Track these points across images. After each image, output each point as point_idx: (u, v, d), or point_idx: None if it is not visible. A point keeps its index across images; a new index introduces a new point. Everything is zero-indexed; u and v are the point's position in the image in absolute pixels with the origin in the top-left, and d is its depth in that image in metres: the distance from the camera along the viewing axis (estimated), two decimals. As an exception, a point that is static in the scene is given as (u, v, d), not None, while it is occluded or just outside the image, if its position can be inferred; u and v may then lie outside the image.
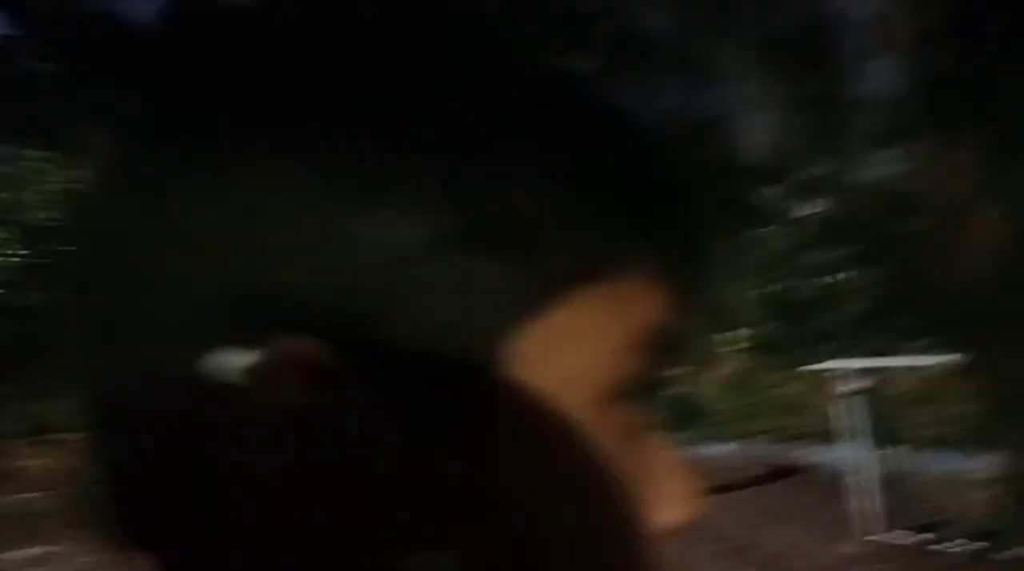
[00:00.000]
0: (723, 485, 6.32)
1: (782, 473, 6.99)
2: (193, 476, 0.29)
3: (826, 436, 7.06)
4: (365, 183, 0.29)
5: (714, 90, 7.17)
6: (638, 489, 0.33)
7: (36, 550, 5.68)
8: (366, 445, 0.28)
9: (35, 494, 6.37)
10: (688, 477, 0.35)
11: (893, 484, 5.74)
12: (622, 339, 0.31)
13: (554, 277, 0.30)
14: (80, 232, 0.33)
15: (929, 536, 5.09)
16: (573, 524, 0.31)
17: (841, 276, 5.66)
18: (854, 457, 5.59)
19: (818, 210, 7.59)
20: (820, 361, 6.35)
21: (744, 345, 8.31)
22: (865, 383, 5.71)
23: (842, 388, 5.85)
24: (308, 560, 0.29)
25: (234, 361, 0.29)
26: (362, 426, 0.28)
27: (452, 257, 0.29)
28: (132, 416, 0.30)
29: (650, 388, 0.34)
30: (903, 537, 5.22)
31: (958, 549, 4.92)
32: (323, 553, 0.29)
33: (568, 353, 0.31)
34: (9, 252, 10.56)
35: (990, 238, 3.93)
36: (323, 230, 0.29)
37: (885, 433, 5.96)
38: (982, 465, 5.34)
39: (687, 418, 7.75)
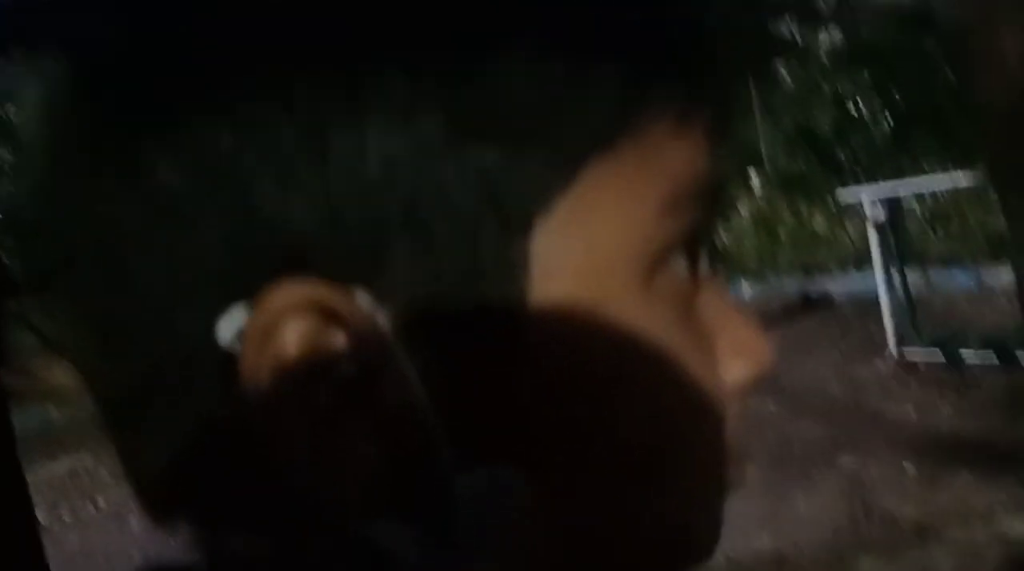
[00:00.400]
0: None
1: (811, 305, 7.02)
2: (229, 444, 0.28)
3: (853, 264, 7.10)
4: (352, 96, 0.26)
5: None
6: (706, 351, 0.32)
7: (61, 465, 5.72)
8: (397, 376, 0.26)
9: (53, 409, 6.40)
10: (755, 328, 0.34)
11: (918, 304, 5.76)
12: (658, 198, 0.29)
13: (568, 151, 0.28)
14: (45, 211, 0.31)
15: (953, 352, 5.14)
16: (636, 426, 0.30)
17: (862, 103, 5.54)
18: (880, 282, 5.60)
19: (836, 36, 7.39)
20: (844, 190, 6.31)
21: (768, 180, 8.24)
22: (889, 208, 5.67)
23: (866, 215, 5.81)
24: (363, 497, 0.27)
25: (242, 318, 0.27)
26: (388, 359, 0.26)
27: (456, 157, 0.27)
28: (158, 395, 0.29)
29: (700, 242, 0.32)
30: (928, 356, 5.27)
31: (981, 363, 4.98)
32: (376, 485, 0.27)
33: (604, 227, 0.28)
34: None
35: (1018, 48, 3.81)
36: (314, 155, 0.26)
37: (910, 255, 5.94)
38: (1005, 279, 5.32)
39: (715, 261, 7.74)
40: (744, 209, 8.13)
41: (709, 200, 0.31)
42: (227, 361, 0.27)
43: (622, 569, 0.31)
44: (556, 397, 0.28)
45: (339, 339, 0.27)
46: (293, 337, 0.26)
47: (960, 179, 5.35)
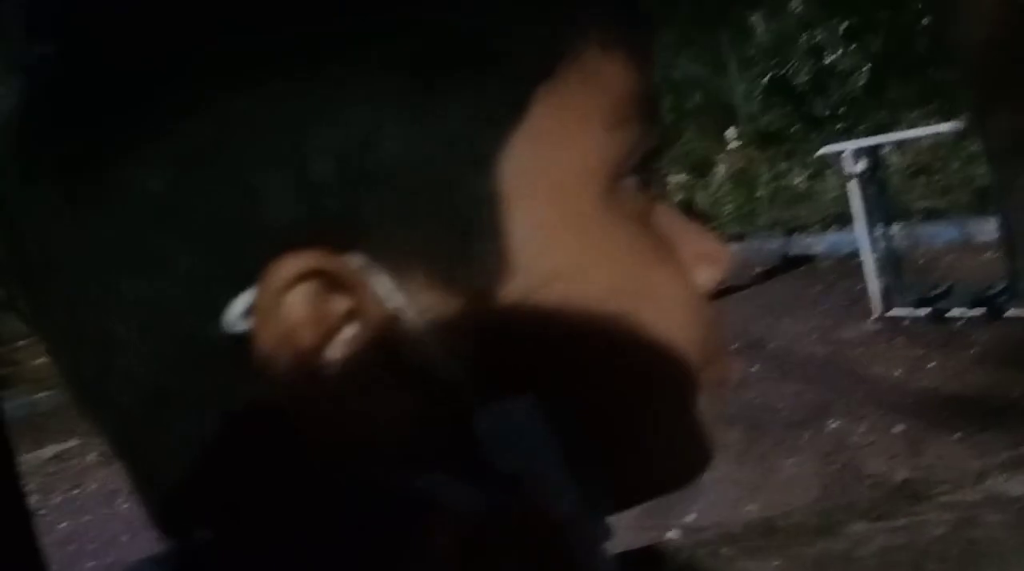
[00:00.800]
0: (733, 286, 6.34)
1: (794, 263, 7.02)
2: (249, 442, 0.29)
3: (835, 221, 7.07)
4: (315, 67, 0.27)
5: None
6: (672, 260, 0.33)
7: (48, 450, 5.82)
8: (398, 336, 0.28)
9: (40, 394, 6.49)
10: (710, 236, 0.36)
11: (901, 260, 5.76)
12: (603, 117, 0.31)
13: (516, 87, 0.29)
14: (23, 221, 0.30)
15: (939, 308, 5.11)
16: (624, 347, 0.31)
17: (839, 54, 5.45)
18: (863, 238, 5.57)
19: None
20: (823, 145, 6.24)
21: (747, 137, 8.18)
22: (869, 162, 5.63)
23: (846, 170, 5.77)
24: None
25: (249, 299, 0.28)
26: (393, 315, 0.28)
27: (422, 111, 0.28)
28: (174, 399, 0.30)
29: (648, 158, 0.33)
30: (911, 311, 5.25)
31: (963, 316, 4.95)
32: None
33: (559, 152, 0.30)
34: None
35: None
36: (290, 133, 0.27)
37: (891, 210, 5.94)
38: (985, 231, 5.34)
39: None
40: (722, 166, 8.08)
41: (649, 115, 0.33)
42: (238, 346, 0.28)
43: (623, 488, 0.33)
44: (548, 325, 0.30)
45: (342, 302, 0.28)
46: (298, 304, 0.28)
47: (941, 129, 5.30)
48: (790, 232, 7.48)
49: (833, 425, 4.00)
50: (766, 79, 6.82)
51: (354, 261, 0.28)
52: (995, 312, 4.80)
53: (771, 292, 6.11)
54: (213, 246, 0.28)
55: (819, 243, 7.21)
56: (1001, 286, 4.91)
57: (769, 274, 6.74)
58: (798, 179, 7.66)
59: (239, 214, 0.27)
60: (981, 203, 5.76)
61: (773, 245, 7.45)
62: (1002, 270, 4.97)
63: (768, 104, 7.34)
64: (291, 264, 0.27)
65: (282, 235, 0.27)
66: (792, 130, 7.41)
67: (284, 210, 0.27)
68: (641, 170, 0.33)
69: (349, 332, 0.28)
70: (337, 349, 0.28)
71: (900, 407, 3.98)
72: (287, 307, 0.27)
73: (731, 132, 8.28)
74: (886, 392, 4.25)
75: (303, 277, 0.27)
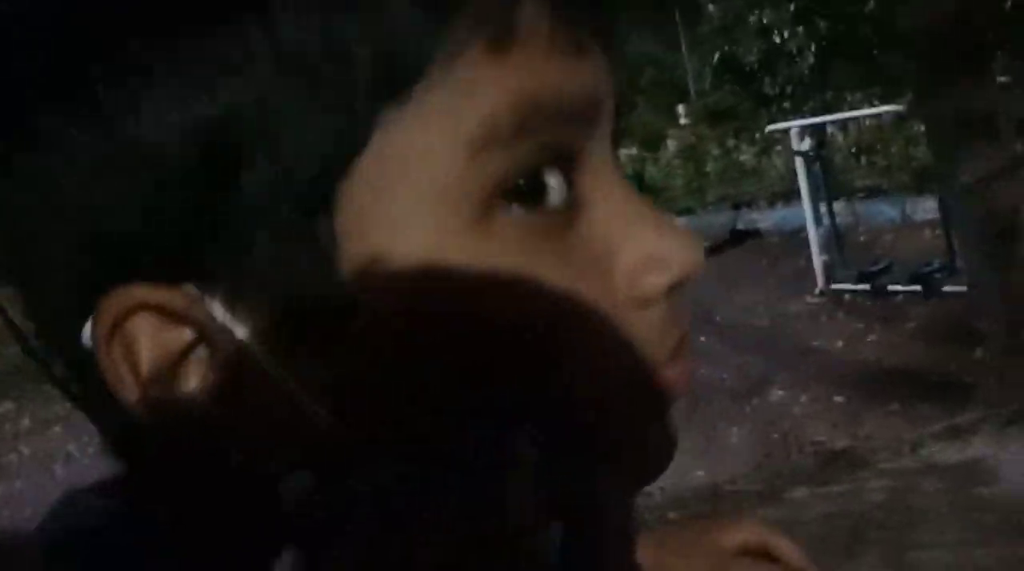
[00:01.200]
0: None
1: (741, 238, 7.10)
2: None
3: (782, 197, 7.16)
4: (143, 76, 0.26)
5: None
6: (592, 272, 0.30)
7: (8, 405, 5.69)
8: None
9: None
10: (670, 233, 0.31)
11: (844, 236, 5.86)
12: (468, 138, 0.27)
13: (355, 110, 0.26)
14: None
15: (879, 284, 5.22)
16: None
17: (786, 34, 5.53)
18: (808, 214, 5.67)
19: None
20: (770, 123, 6.32)
21: (697, 114, 8.24)
22: (814, 141, 5.71)
23: (793, 147, 5.85)
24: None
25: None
26: (238, 345, 0.27)
27: (254, 125, 0.26)
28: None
29: (580, 159, 0.30)
30: (852, 286, 5.36)
31: (902, 292, 5.07)
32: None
33: (408, 179, 0.27)
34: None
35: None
36: (112, 154, 0.26)
37: (836, 187, 6.02)
38: (924, 210, 5.43)
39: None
40: (672, 141, 8.13)
41: (587, 114, 0.29)
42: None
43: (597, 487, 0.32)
44: (398, 361, 0.28)
45: (183, 333, 0.28)
46: (138, 334, 0.27)
47: (884, 111, 5.41)
48: (738, 207, 7.59)
49: (777, 395, 4.09)
50: (716, 57, 6.88)
51: (190, 294, 0.27)
52: (933, 288, 4.91)
53: (719, 266, 6.18)
54: (60, 270, 0.28)
55: (766, 219, 7.33)
56: (939, 264, 5.02)
57: (717, 248, 6.82)
58: (746, 156, 7.74)
59: (78, 249, 0.27)
60: (921, 183, 5.87)
61: (721, 220, 7.56)
62: (940, 248, 5.08)
63: (718, 82, 7.41)
64: (121, 297, 0.27)
65: (117, 264, 0.27)
66: (741, 108, 7.49)
67: (113, 235, 0.27)
68: (564, 170, 0.29)
69: (198, 361, 0.28)
70: (189, 376, 0.28)
71: (841, 378, 4.07)
72: (127, 336, 0.27)
73: (682, 108, 8.35)
74: (828, 364, 4.34)
75: (136, 309, 0.27)
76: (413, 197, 0.27)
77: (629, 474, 0.33)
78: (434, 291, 0.27)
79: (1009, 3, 3.42)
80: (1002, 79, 3.49)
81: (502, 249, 0.28)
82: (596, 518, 0.32)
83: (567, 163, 0.29)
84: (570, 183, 0.30)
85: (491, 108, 0.27)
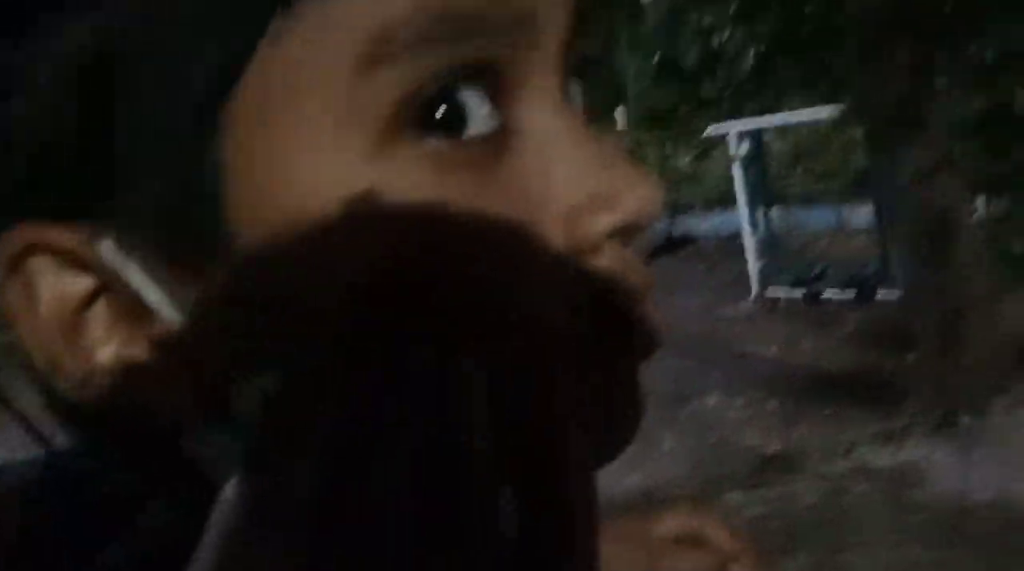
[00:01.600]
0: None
1: (677, 243, 7.15)
2: None
3: (719, 202, 7.23)
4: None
5: None
6: (523, 213, 0.26)
7: None
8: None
9: None
10: (620, 172, 0.28)
11: (781, 242, 5.93)
12: (365, 55, 0.24)
13: (245, 6, 0.24)
14: None
15: (814, 289, 5.28)
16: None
17: (726, 35, 5.54)
18: (745, 219, 5.71)
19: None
20: (708, 126, 6.36)
21: (635, 118, 8.28)
22: (751, 145, 5.77)
23: (731, 152, 5.90)
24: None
25: None
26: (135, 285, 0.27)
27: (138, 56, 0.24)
28: None
29: (518, 81, 0.27)
30: (788, 291, 5.44)
31: (836, 297, 5.15)
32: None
33: (294, 107, 0.24)
34: None
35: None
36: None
37: (772, 193, 6.11)
38: (859, 216, 5.55)
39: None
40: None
41: (517, 29, 0.26)
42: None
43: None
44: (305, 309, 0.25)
45: (84, 280, 0.27)
46: (36, 274, 0.27)
47: (823, 114, 5.46)
48: (675, 213, 7.62)
49: (711, 400, 4.10)
50: (656, 58, 6.88)
51: (82, 233, 0.26)
52: (866, 294, 4.99)
53: (655, 271, 6.20)
54: None
55: (703, 224, 7.39)
56: (873, 269, 5.10)
57: (654, 254, 6.84)
58: (684, 160, 7.81)
59: None
60: (856, 190, 5.98)
61: (658, 225, 7.58)
62: (874, 254, 5.17)
63: (658, 84, 7.42)
64: (13, 236, 0.26)
65: (13, 203, 0.27)
66: (679, 111, 7.52)
67: (8, 180, 0.26)
68: (493, 95, 0.26)
69: (99, 312, 0.27)
70: (90, 325, 0.27)
71: (775, 383, 4.11)
72: (26, 278, 0.27)
73: (619, 111, 8.36)
74: (762, 369, 4.38)
75: (31, 249, 0.26)
76: (304, 123, 0.24)
77: (593, 437, 0.28)
78: (327, 227, 0.24)
79: (949, 6, 3.44)
80: (940, 79, 3.52)
81: (412, 184, 0.25)
82: (560, 488, 0.26)
83: (493, 86, 0.26)
84: (500, 110, 0.27)
85: (384, 18, 0.24)
